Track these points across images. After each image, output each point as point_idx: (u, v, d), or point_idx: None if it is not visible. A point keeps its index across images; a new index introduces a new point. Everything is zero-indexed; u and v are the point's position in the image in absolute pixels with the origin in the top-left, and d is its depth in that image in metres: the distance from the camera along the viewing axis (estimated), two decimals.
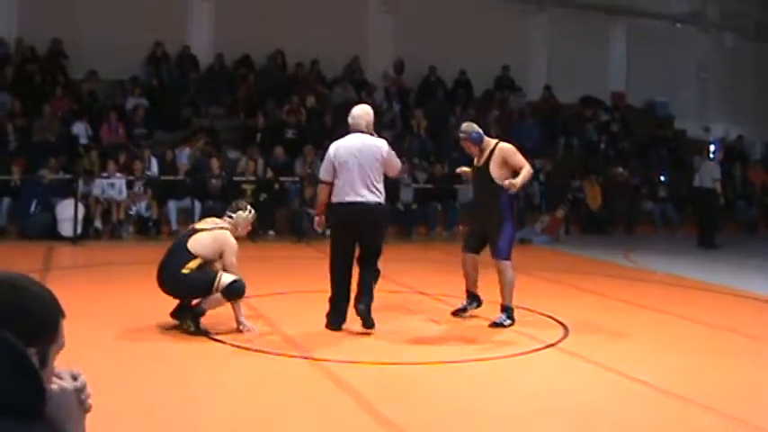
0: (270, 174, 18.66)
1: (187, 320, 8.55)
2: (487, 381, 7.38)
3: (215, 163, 18.16)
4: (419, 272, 12.83)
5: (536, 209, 20.69)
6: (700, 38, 28.56)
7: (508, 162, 9.23)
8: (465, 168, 9.89)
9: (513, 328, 9.22)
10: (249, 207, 9.28)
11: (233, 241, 8.78)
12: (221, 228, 8.89)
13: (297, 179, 18.31)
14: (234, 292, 8.52)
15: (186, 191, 17.52)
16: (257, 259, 14.52)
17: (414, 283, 11.93)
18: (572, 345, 8.59)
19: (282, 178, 18.49)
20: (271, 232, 17.74)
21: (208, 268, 8.65)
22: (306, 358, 7.74)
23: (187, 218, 16.94)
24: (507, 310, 9.32)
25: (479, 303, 9.73)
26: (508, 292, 9.31)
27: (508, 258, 9.23)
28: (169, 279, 8.63)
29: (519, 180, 9.05)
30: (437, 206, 19.30)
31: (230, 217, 9.07)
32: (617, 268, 15.12)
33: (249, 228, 9.42)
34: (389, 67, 23.79)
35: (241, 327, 8.63)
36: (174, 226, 17.23)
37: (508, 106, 24.26)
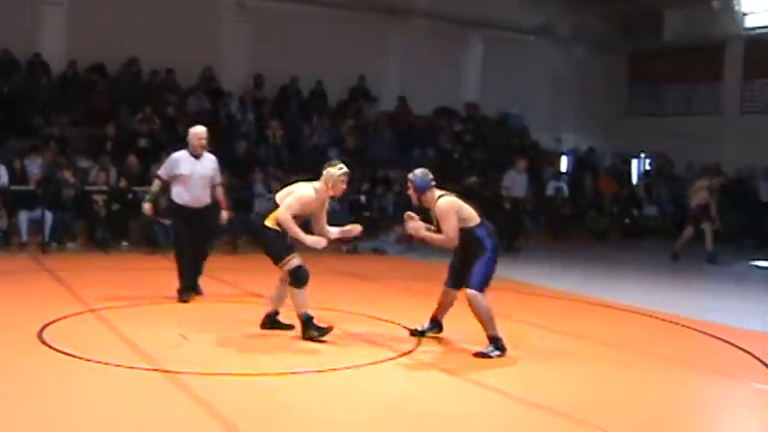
0: (123, 183, 18.27)
1: (308, 332, 9.00)
2: (343, 390, 7.37)
3: (67, 173, 17.75)
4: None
5: (389, 219, 20.79)
6: (551, 50, 29.25)
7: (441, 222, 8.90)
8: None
9: (366, 336, 9.26)
10: (342, 165, 9.22)
11: (308, 192, 9.00)
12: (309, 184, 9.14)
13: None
14: (297, 280, 8.91)
15: (37, 201, 16.99)
16: (111, 269, 14.29)
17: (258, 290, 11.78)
18: (425, 354, 8.68)
19: (136, 188, 18.05)
20: (124, 243, 17.46)
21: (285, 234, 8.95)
22: (157, 371, 7.62)
23: (38, 229, 16.58)
24: (495, 340, 8.72)
25: (440, 329, 9.49)
26: (489, 321, 8.71)
27: (479, 290, 8.71)
28: (253, 225, 9.25)
29: (425, 233, 9.07)
30: None
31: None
32: None
33: (342, 186, 9.22)
34: (245, 76, 23.66)
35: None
36: (25, 237, 16.77)
37: (363, 116, 24.38)
